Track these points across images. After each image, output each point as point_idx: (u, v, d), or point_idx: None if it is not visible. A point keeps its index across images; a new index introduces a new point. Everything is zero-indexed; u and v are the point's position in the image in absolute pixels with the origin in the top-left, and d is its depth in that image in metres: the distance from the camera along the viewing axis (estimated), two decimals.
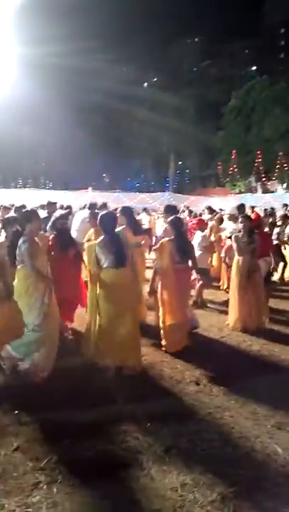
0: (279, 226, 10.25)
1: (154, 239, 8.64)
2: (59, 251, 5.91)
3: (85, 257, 5.43)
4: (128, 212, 6.68)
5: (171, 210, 6.61)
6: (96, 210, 7.67)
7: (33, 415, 3.92)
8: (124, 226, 5.56)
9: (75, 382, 4.58)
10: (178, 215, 6.50)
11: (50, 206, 8.76)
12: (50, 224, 6.38)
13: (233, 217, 9.22)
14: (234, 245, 6.66)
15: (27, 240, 4.66)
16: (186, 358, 5.30)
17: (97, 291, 4.95)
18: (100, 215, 5.21)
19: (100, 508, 2.80)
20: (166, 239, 5.76)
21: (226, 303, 7.72)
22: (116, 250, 4.83)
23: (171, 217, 5.90)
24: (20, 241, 4.67)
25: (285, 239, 9.92)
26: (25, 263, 4.62)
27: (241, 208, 9.34)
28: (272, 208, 14.94)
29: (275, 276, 9.50)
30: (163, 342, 5.55)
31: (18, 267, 4.73)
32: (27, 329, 4.61)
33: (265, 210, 14.52)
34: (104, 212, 5.41)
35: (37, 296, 4.63)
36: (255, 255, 6.59)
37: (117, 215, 5.81)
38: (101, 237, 5.00)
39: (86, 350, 5.05)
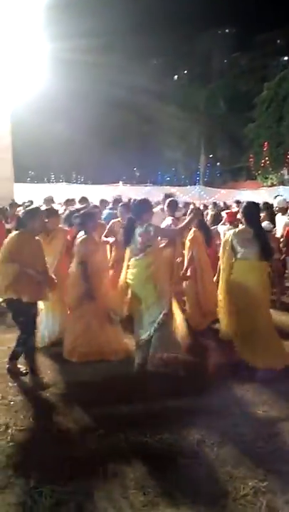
0: None
1: None
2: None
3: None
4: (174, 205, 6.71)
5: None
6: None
7: (68, 405, 4.03)
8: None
9: (112, 376, 4.66)
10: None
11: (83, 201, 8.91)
12: (64, 218, 6.48)
13: (282, 210, 9.03)
14: None
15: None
16: (217, 353, 5.30)
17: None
18: (243, 206, 5.09)
19: (134, 499, 2.86)
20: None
21: None
22: (262, 243, 4.79)
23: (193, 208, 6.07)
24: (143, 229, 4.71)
25: None
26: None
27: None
28: None
29: None
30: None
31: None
32: None
33: None
34: (248, 203, 5.19)
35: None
36: None
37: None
38: (241, 227, 4.99)
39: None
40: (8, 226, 8.90)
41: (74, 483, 2.99)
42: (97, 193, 13.24)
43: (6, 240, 4.54)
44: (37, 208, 4.91)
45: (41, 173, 37.04)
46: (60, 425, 3.73)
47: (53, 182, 31.03)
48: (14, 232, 4.62)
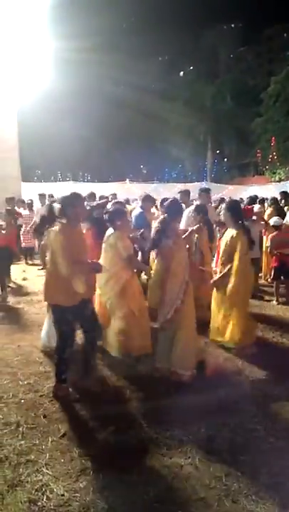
0: None
1: None
2: (94, 243, 5.68)
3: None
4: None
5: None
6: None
7: (78, 403, 4.03)
8: None
9: (122, 373, 4.66)
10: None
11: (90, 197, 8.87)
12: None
13: None
14: None
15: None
16: (228, 348, 5.29)
17: None
18: None
19: (145, 495, 2.85)
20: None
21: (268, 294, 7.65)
22: None
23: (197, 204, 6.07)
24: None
25: None
26: None
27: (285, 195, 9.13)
28: None
29: None
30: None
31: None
32: None
33: None
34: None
35: None
36: None
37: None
38: None
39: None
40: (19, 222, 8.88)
41: (85, 479, 3.00)
42: (104, 191, 13.22)
43: (53, 238, 4.04)
44: (77, 195, 4.38)
45: (48, 171, 37.11)
46: (71, 422, 3.74)
47: (59, 180, 31.07)
48: (55, 229, 4.08)
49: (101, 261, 4.88)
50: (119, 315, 4.94)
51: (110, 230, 5.17)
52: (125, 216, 5.37)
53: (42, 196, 12.07)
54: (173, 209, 4.82)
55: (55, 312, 4.27)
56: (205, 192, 7.83)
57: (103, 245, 5.13)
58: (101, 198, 9.79)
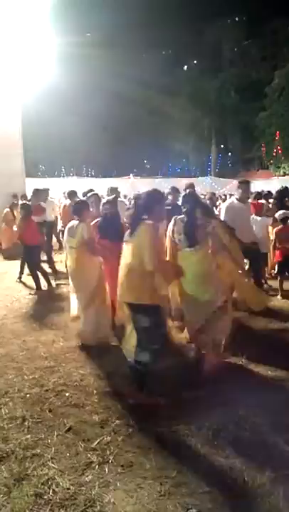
0: None
1: None
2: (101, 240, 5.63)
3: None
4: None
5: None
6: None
7: (83, 397, 4.05)
8: None
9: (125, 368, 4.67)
10: None
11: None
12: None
13: None
14: None
15: None
16: (233, 342, 5.28)
17: None
18: None
19: (150, 489, 2.87)
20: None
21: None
22: None
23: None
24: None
25: None
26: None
27: (285, 191, 9.10)
28: None
29: None
30: None
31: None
32: None
33: None
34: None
35: None
36: None
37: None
38: None
39: None
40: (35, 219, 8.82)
41: (90, 473, 3.01)
42: (108, 186, 13.19)
43: (149, 235, 3.87)
44: (161, 193, 4.39)
45: (52, 167, 37.12)
46: (76, 416, 3.75)
47: (63, 176, 31.09)
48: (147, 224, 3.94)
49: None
50: None
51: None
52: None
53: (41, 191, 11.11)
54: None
55: (154, 313, 3.89)
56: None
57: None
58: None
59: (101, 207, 6.04)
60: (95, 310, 5.30)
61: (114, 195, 7.27)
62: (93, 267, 5.34)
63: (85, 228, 5.28)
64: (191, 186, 8.26)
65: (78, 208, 5.55)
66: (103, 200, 6.49)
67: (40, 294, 7.97)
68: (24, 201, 10.39)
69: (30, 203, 9.54)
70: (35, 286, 8.14)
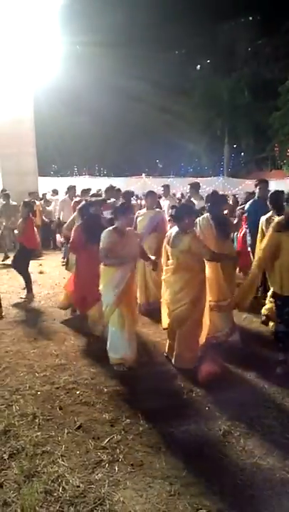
0: None
1: None
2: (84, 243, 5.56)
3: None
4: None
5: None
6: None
7: (94, 395, 4.05)
8: None
9: (139, 367, 4.67)
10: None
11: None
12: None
13: None
14: None
15: None
16: (243, 345, 5.26)
17: None
18: None
19: (160, 488, 2.85)
20: None
21: None
22: None
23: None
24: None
25: None
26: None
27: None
28: None
29: None
30: None
31: None
32: None
33: None
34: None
35: None
36: None
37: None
38: None
39: None
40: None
41: (100, 471, 3.01)
42: (120, 186, 13.20)
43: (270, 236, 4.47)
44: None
45: (64, 166, 37.25)
46: (86, 414, 3.75)
47: (76, 175, 31.18)
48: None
49: None
50: None
51: (175, 228, 4.88)
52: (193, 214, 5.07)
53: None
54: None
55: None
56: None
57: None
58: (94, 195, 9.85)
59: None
60: None
61: (104, 198, 7.38)
62: None
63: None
64: (196, 186, 8.37)
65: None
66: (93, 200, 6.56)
67: (53, 292, 7.99)
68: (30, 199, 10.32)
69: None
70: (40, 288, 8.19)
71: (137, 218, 6.74)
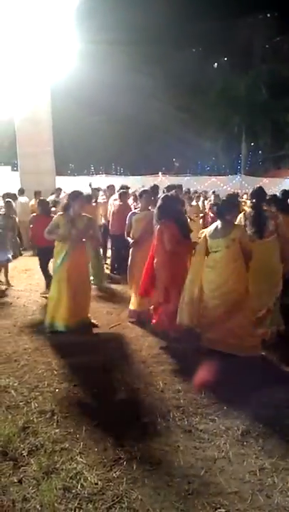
0: None
1: None
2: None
3: None
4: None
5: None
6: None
7: (112, 394, 4.07)
8: None
9: (157, 365, 4.68)
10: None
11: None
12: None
13: None
14: None
15: None
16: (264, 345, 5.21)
17: None
18: None
19: (178, 487, 2.85)
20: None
21: None
22: None
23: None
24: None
25: None
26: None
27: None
28: None
29: None
30: None
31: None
32: None
33: None
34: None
35: None
36: None
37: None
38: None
39: None
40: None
41: (118, 469, 3.02)
42: (136, 185, 13.24)
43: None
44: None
45: (81, 165, 37.41)
46: (105, 412, 3.77)
47: (92, 174, 31.30)
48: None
49: None
50: None
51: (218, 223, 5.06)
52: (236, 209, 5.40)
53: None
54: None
55: None
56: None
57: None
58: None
59: None
60: None
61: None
62: None
63: None
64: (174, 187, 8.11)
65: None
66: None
67: None
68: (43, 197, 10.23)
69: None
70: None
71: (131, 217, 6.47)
